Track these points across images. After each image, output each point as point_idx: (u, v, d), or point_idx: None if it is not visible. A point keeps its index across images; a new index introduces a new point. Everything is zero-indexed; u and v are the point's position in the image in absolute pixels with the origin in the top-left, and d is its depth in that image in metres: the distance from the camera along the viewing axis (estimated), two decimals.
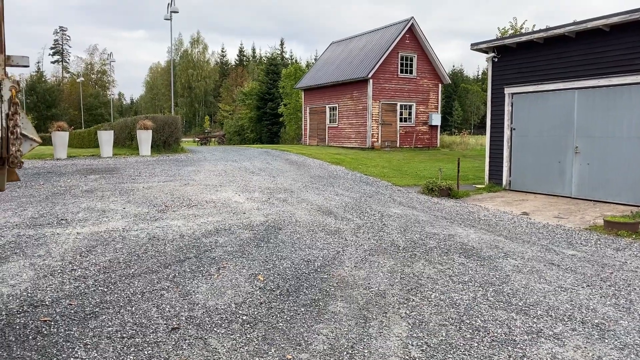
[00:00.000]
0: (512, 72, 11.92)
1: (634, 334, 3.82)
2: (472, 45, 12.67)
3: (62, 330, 3.70)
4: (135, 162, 16.02)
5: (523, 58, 11.65)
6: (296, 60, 71.12)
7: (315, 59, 60.25)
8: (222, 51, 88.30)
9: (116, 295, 4.43)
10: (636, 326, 3.96)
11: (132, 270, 5.14)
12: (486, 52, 12.58)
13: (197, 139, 46.40)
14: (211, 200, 9.20)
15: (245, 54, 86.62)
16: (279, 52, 75.96)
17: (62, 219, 7.35)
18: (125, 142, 21.39)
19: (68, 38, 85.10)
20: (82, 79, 70.84)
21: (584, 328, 3.92)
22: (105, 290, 4.55)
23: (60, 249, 5.82)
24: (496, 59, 12.25)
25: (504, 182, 12.17)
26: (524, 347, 3.56)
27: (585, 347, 3.57)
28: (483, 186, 12.48)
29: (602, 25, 9.70)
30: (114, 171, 13.34)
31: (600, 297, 4.63)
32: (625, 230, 7.38)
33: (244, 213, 8.15)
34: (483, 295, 4.63)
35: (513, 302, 4.45)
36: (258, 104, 51.56)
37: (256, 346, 3.53)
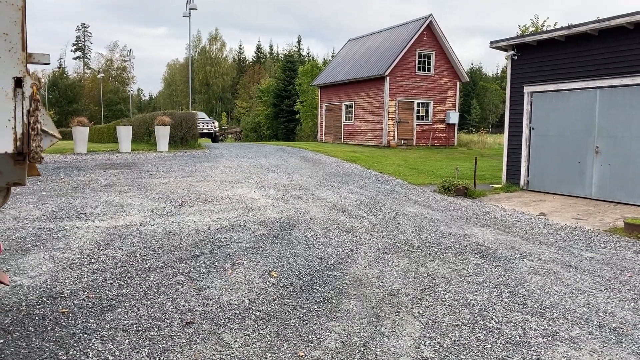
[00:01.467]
0: (531, 71, 11.73)
1: None
2: (491, 43, 12.50)
3: (80, 322, 3.78)
4: (152, 157, 16.22)
5: (543, 56, 11.45)
6: (313, 58, 71.09)
7: (332, 56, 60.13)
8: (240, 48, 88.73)
9: (132, 288, 4.51)
10: None
11: (149, 264, 5.21)
12: (505, 50, 12.40)
13: None
14: (227, 197, 9.27)
15: (262, 50, 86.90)
16: (296, 49, 76.01)
17: (81, 213, 7.49)
18: (144, 137, 21.67)
19: (90, 35, 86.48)
20: (103, 75, 71.96)
21: (601, 332, 3.85)
22: (122, 283, 4.63)
23: (79, 242, 5.93)
24: (516, 57, 12.07)
25: (522, 182, 12.00)
26: (538, 350, 3.51)
27: (601, 352, 3.51)
28: (500, 186, 12.33)
29: (626, 23, 9.48)
30: (132, 166, 13.53)
31: (619, 301, 4.54)
32: None
33: (259, 209, 8.19)
34: (498, 296, 4.59)
35: (528, 304, 4.40)
36: (274, 101, 51.73)
37: (269, 342, 3.56)
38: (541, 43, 11.44)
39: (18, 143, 2.10)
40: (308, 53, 77.41)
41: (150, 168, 13.24)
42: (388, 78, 24.24)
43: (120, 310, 4.02)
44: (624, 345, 3.63)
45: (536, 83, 11.59)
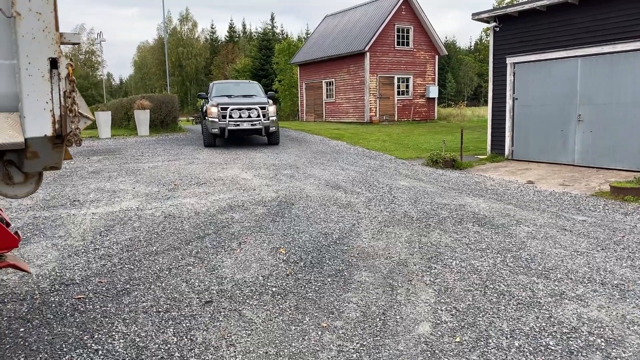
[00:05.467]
0: (513, 42, 11.86)
1: None
2: (473, 15, 12.55)
3: (98, 307, 3.77)
4: (135, 142, 15.93)
5: (525, 27, 11.57)
6: (287, 35, 69.98)
7: (307, 34, 59.41)
8: (212, 27, 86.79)
9: (144, 272, 4.50)
10: None
11: (154, 247, 5.19)
12: (487, 22, 12.47)
13: (191, 118, 45.81)
14: (219, 178, 9.22)
15: (235, 29, 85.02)
16: (270, 27, 74.67)
17: (74, 200, 7.36)
18: (122, 122, 21.21)
19: None
20: (72, 60, 69.45)
21: (605, 289, 4.04)
22: (132, 267, 4.62)
23: (79, 229, 5.86)
24: (498, 29, 12.16)
25: (507, 152, 12.25)
26: (549, 309, 3.68)
27: (608, 307, 3.70)
28: (485, 157, 12.56)
29: None
30: (115, 152, 13.28)
31: (616, 260, 4.75)
32: (631, 195, 7.51)
33: (254, 189, 8.19)
34: (502, 261, 4.74)
35: (532, 267, 4.57)
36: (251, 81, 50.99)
37: (290, 316, 3.62)
38: (522, 13, 11.54)
39: (56, 125, 2.06)
40: (282, 31, 76.13)
41: (135, 153, 13.01)
42: (368, 54, 24.14)
43: (136, 293, 4.02)
44: (628, 300, 3.82)
45: (518, 54, 11.74)
